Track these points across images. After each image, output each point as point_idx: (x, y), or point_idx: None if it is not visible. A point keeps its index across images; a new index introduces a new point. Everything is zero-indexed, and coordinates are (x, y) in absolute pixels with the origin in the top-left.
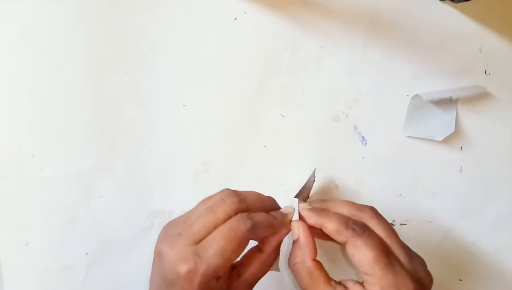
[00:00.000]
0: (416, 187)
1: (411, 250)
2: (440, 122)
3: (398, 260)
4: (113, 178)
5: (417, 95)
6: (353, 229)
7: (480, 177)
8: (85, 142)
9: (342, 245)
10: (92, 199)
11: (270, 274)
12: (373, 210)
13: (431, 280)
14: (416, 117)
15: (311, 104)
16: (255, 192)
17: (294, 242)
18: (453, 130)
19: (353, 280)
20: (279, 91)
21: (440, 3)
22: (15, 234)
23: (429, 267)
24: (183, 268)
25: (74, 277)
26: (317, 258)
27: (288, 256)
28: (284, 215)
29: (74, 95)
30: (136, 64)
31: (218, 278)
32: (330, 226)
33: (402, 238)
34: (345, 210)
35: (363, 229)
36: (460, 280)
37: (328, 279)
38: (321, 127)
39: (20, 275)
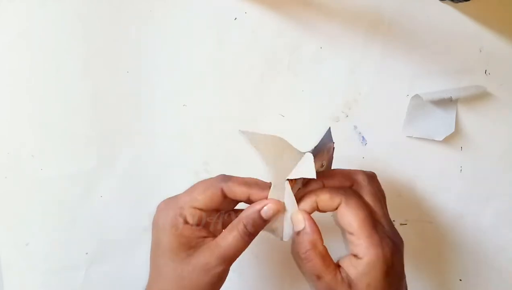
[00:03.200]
0: (416, 187)
1: (389, 217)
2: (440, 122)
3: (381, 223)
4: (113, 178)
5: (417, 95)
6: (345, 191)
7: (480, 177)
8: (85, 142)
9: (335, 211)
10: (92, 199)
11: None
12: (368, 175)
13: (403, 242)
14: (416, 117)
15: (311, 104)
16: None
17: (300, 232)
18: (453, 130)
19: (341, 258)
20: (279, 91)
21: (440, 3)
22: (15, 234)
23: (429, 267)
24: (155, 212)
25: (74, 277)
26: None
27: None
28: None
29: (74, 95)
30: (136, 64)
31: (185, 221)
32: (323, 197)
33: (402, 238)
34: (338, 174)
35: (353, 192)
36: (460, 280)
37: (333, 262)
38: (321, 127)
39: (20, 275)
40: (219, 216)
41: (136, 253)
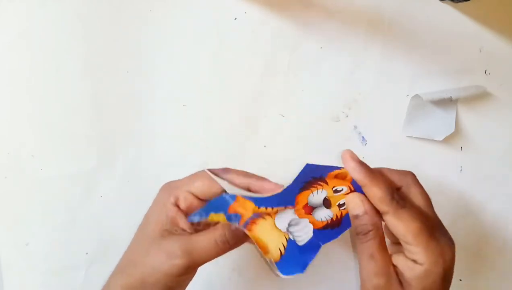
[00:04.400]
0: None
1: (440, 220)
2: (440, 122)
3: (438, 230)
4: (113, 178)
5: (417, 95)
6: (397, 202)
7: (480, 177)
8: (85, 142)
9: (383, 215)
10: (92, 199)
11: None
12: (414, 177)
13: (454, 244)
14: (416, 117)
15: (311, 104)
16: None
17: (358, 215)
18: (453, 130)
19: (395, 256)
20: (279, 91)
21: (440, 3)
22: (15, 234)
23: None
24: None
25: (74, 277)
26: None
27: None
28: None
29: (74, 95)
30: (136, 64)
31: (176, 202)
32: (377, 191)
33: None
34: (387, 173)
35: (405, 201)
36: (460, 280)
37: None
38: (321, 127)
39: (20, 275)
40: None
41: None
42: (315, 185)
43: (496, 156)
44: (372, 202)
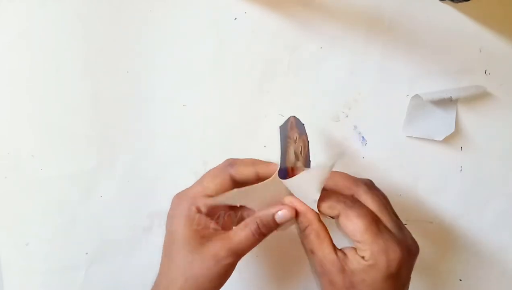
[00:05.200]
0: (416, 187)
1: (401, 222)
2: (440, 122)
3: (387, 229)
4: (113, 178)
5: (417, 95)
6: (344, 202)
7: (480, 177)
8: (85, 142)
9: (336, 219)
10: (92, 199)
11: (270, 277)
12: (367, 185)
13: (417, 248)
14: (416, 117)
15: (311, 104)
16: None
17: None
18: (453, 130)
19: (350, 247)
20: (279, 91)
21: (440, 3)
22: (15, 234)
23: (429, 267)
24: (171, 204)
25: (74, 277)
26: None
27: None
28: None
29: (74, 95)
30: (136, 64)
31: (198, 210)
32: (323, 204)
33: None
34: (340, 183)
35: (353, 201)
36: (460, 280)
37: (332, 243)
38: (321, 127)
39: (20, 275)
40: (218, 216)
41: (136, 253)
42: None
43: (496, 156)
44: (327, 213)
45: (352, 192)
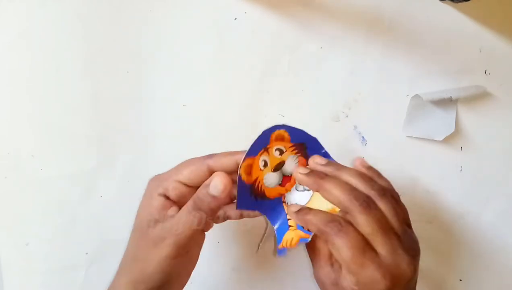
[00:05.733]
0: (416, 187)
1: (400, 242)
2: (440, 122)
3: (376, 257)
4: (113, 178)
5: (417, 95)
6: (331, 228)
7: (480, 177)
8: (85, 142)
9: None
10: (92, 199)
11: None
12: (366, 201)
13: (414, 271)
14: (416, 117)
15: (311, 104)
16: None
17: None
18: (453, 130)
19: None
20: (279, 91)
21: (440, 3)
22: (15, 234)
23: (429, 267)
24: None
25: (74, 277)
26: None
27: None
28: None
29: (74, 95)
30: (136, 64)
31: (164, 193)
32: (312, 228)
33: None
34: (335, 198)
35: (339, 227)
36: (460, 280)
37: (329, 253)
38: (321, 127)
39: (20, 275)
40: (218, 216)
41: None
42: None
43: (496, 156)
44: (314, 232)
45: (346, 211)
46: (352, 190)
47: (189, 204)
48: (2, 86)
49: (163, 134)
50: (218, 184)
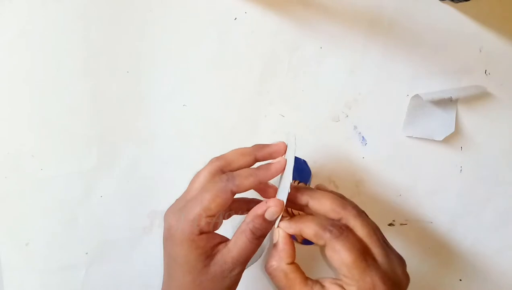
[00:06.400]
0: (416, 187)
1: (390, 250)
2: (440, 122)
3: (375, 262)
4: (113, 178)
5: (417, 95)
6: (331, 231)
7: (480, 177)
8: (85, 142)
9: (321, 248)
10: (92, 199)
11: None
12: (356, 208)
13: (407, 279)
14: (416, 117)
15: (311, 104)
16: (235, 149)
17: (274, 246)
18: (453, 130)
19: (331, 278)
20: (279, 91)
21: (440, 3)
22: (15, 234)
23: (429, 267)
24: (166, 225)
25: (74, 277)
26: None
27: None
28: (269, 165)
29: (74, 95)
30: (136, 64)
31: (201, 231)
32: (308, 231)
33: (402, 238)
34: (328, 206)
35: (340, 231)
36: (460, 280)
37: (305, 279)
38: (321, 127)
39: (20, 275)
40: (218, 216)
41: (136, 253)
42: None
43: (496, 156)
44: (313, 241)
45: (340, 216)
46: (341, 200)
47: (246, 234)
48: (2, 86)
49: (163, 134)
50: (276, 211)
